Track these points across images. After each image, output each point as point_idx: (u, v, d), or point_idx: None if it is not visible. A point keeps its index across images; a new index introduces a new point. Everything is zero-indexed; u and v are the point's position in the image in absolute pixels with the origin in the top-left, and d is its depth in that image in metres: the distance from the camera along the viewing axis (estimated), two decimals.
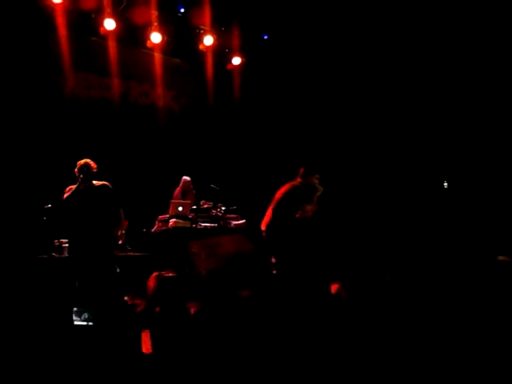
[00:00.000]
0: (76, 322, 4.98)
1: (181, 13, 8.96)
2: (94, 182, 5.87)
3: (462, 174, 8.58)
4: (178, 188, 8.35)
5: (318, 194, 6.13)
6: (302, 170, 6.33)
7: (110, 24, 8.31)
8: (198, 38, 9.25)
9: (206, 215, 7.78)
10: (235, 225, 7.90)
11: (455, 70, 8.63)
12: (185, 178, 8.29)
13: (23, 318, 5.19)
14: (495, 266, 6.04)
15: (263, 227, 6.46)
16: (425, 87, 8.99)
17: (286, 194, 6.23)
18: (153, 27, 8.70)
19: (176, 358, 4.06)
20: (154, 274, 5.90)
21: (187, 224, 7.39)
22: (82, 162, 5.79)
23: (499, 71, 8.17)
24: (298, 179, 6.28)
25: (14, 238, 6.76)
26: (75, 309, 5.07)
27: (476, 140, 8.42)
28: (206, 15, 8.97)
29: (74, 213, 5.72)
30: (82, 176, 5.70)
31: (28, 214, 7.09)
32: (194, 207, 7.84)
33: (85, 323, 4.97)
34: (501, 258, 6.13)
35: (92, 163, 5.82)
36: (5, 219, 7.01)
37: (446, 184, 8.70)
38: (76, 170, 5.76)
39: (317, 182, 6.19)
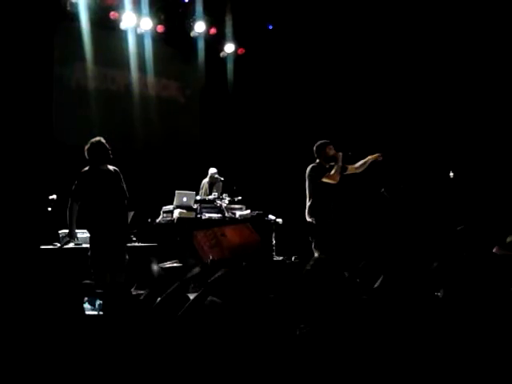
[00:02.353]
0: (88, 312, 4.96)
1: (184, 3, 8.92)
2: (109, 166, 5.35)
3: (468, 164, 8.53)
4: (206, 179, 8.39)
5: (339, 161, 5.90)
6: (314, 150, 6.23)
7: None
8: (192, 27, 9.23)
9: (210, 206, 7.77)
10: (240, 215, 7.88)
11: (459, 63, 8.56)
12: (211, 169, 8.35)
13: (27, 309, 5.22)
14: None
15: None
16: (429, 78, 8.92)
17: (306, 176, 6.18)
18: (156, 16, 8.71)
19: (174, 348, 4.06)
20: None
21: (191, 215, 7.39)
22: (96, 140, 5.23)
23: (500, 66, 8.11)
24: (317, 160, 6.18)
25: (18, 229, 6.77)
26: (87, 298, 5.05)
27: (480, 130, 8.37)
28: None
29: (94, 196, 5.18)
30: (98, 156, 5.20)
31: (32, 205, 7.11)
32: (211, 197, 7.92)
33: (96, 312, 4.96)
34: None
35: (105, 142, 5.26)
36: (9, 210, 7.03)
37: (451, 174, 8.65)
38: (90, 148, 5.20)
39: (332, 152, 6.06)
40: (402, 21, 8.86)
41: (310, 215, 6.08)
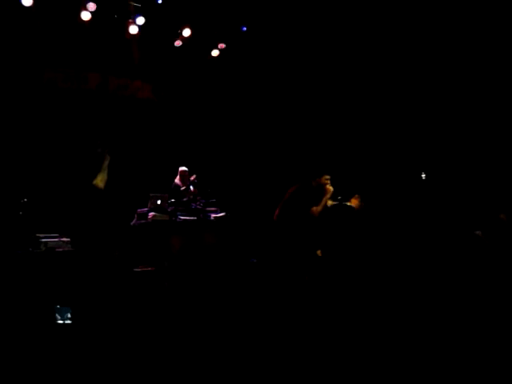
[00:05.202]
0: (59, 321, 4.92)
1: (159, 4, 8.84)
2: None
3: (440, 165, 8.67)
4: (178, 178, 8.34)
5: (328, 196, 6.09)
6: (311, 171, 6.40)
7: (86, 16, 8.21)
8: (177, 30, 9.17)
9: (185, 208, 7.76)
10: (215, 217, 7.90)
11: (430, 64, 8.68)
12: (181, 168, 8.32)
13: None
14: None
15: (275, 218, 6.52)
16: (401, 80, 9.03)
17: (293, 195, 6.25)
18: (131, 18, 8.62)
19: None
20: None
21: (166, 217, 7.38)
22: None
23: (477, 65, 8.24)
24: (311, 181, 6.33)
25: None
26: (57, 307, 5.01)
27: (453, 131, 8.51)
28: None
29: None
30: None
31: (3, 209, 7.01)
32: (186, 199, 7.92)
33: (66, 322, 4.92)
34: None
35: None
36: None
37: (423, 175, 8.79)
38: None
39: (326, 182, 6.18)
40: (368, 17, 8.97)
41: None
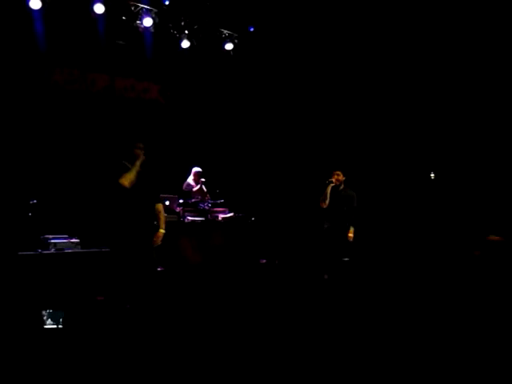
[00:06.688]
0: (49, 325, 4.85)
1: (165, 5, 8.85)
2: None
3: (449, 165, 8.63)
4: (192, 178, 8.30)
5: (328, 188, 6.44)
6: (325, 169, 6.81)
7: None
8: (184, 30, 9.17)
9: (193, 209, 7.75)
10: (223, 218, 7.89)
11: (439, 64, 8.66)
12: (196, 169, 8.29)
13: (8, 315, 5.16)
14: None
15: None
16: (410, 80, 9.00)
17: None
18: (137, 19, 8.64)
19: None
20: None
21: (174, 218, 7.37)
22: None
23: (484, 67, 8.21)
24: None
25: None
26: (45, 311, 4.96)
27: (461, 132, 8.48)
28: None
29: None
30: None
31: (13, 210, 7.01)
32: (194, 200, 7.88)
33: (55, 326, 4.87)
34: (492, 237, 6.52)
35: None
36: None
37: (432, 175, 8.77)
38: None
39: (333, 178, 6.52)
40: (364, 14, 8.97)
41: None
